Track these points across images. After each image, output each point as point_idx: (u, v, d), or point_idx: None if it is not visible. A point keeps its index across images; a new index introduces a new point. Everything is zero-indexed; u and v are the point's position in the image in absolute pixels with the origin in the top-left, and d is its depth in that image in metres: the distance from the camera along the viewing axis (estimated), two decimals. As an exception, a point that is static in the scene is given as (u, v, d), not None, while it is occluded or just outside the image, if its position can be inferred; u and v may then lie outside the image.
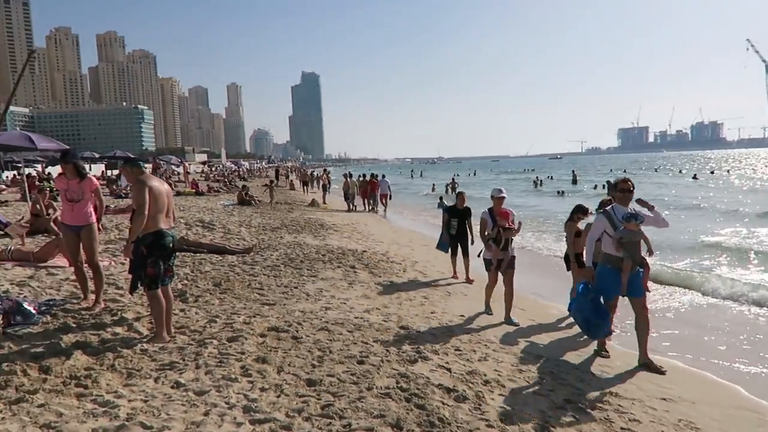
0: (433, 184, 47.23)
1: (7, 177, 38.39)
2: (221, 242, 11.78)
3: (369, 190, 25.52)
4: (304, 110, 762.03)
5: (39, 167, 39.53)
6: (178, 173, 43.96)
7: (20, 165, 31.95)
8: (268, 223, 16.51)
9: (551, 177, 66.09)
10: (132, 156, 39.78)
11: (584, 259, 6.16)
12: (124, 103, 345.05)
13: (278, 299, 7.32)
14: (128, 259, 5.45)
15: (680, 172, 76.50)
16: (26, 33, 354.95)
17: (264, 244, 12.23)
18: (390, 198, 25.67)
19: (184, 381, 4.28)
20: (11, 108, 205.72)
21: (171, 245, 5.34)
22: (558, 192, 41.14)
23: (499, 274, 7.47)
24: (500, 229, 7.39)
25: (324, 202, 27.71)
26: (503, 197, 7.65)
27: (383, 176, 26.89)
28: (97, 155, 46.01)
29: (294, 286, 8.21)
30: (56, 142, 15.95)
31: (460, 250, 10.05)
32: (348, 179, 26.27)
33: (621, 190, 5.88)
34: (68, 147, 15.13)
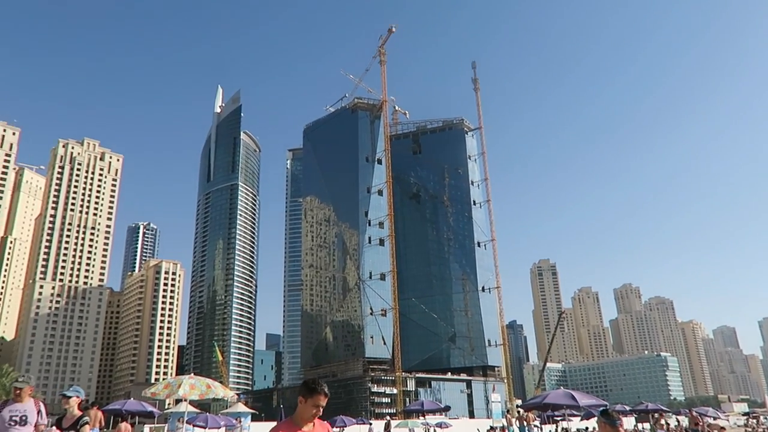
0: None
1: (549, 431, 42.22)
2: None
3: None
4: None
5: (576, 420, 42.14)
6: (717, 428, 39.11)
7: (559, 419, 34.92)
8: None
9: None
10: (653, 408, 38.05)
11: None
12: (646, 352, 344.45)
13: None
14: None
15: None
16: (555, 297, 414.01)
17: None
18: None
19: None
20: (547, 365, 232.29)
21: None
22: None
23: None
24: None
25: None
26: None
27: None
28: (627, 407, 46.08)
29: None
30: (596, 398, 17.06)
31: None
32: None
33: None
34: (605, 403, 16.06)
